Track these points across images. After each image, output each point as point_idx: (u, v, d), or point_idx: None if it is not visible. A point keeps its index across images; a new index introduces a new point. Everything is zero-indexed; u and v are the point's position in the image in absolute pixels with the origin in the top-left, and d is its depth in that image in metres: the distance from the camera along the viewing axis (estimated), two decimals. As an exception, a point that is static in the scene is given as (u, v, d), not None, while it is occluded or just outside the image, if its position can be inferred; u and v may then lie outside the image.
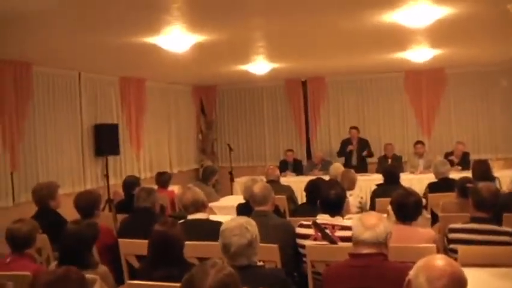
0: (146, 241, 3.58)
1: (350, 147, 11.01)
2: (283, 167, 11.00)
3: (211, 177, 7.85)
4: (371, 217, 3.19)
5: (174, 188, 8.19)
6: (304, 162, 11.66)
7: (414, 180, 9.06)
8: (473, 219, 4.24)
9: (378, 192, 6.44)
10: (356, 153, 11.04)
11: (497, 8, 5.73)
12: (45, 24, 5.49)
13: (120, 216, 5.71)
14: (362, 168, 10.72)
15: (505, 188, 7.22)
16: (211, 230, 3.48)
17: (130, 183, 6.77)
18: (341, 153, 11.27)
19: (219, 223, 3.44)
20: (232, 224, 3.23)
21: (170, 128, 11.68)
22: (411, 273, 2.13)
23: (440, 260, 2.12)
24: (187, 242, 3.63)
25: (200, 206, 4.60)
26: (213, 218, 4.79)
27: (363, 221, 3.16)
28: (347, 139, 11.32)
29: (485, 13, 6.14)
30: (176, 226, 3.57)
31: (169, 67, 9.22)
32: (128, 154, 10.13)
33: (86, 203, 4.93)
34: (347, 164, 10.64)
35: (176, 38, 6.52)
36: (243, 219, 3.31)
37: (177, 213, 5.29)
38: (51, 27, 5.65)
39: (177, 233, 3.50)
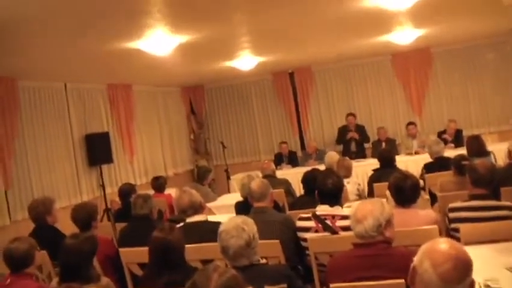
0: (146, 248, 3.55)
1: (351, 134, 11.01)
2: (279, 159, 10.99)
3: (206, 177, 7.82)
4: (363, 208, 3.15)
5: (171, 191, 8.16)
6: (299, 153, 11.65)
7: (410, 162, 9.07)
8: (472, 197, 4.23)
9: (375, 177, 6.43)
10: (354, 140, 11.04)
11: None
12: (27, 34, 5.41)
13: (119, 225, 5.67)
14: (361, 154, 10.74)
15: (500, 162, 7.22)
16: (210, 231, 3.46)
17: (126, 191, 6.73)
18: (339, 140, 11.26)
19: (218, 223, 3.41)
20: (228, 226, 3.20)
21: (161, 131, 11.63)
22: (416, 259, 2.10)
23: (443, 244, 2.09)
24: (188, 246, 3.60)
25: (198, 208, 4.57)
26: (211, 218, 4.76)
27: (355, 213, 3.14)
28: (344, 126, 11.32)
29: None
30: (174, 231, 3.54)
31: (155, 70, 9.16)
32: (122, 161, 10.07)
33: (83, 216, 4.88)
34: (346, 151, 10.65)
35: (159, 41, 6.47)
36: (240, 219, 3.28)
37: (176, 217, 5.25)
38: (33, 37, 5.57)
39: (176, 238, 3.47)
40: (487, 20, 8.77)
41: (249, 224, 3.24)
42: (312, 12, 6.40)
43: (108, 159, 9.34)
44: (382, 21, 7.45)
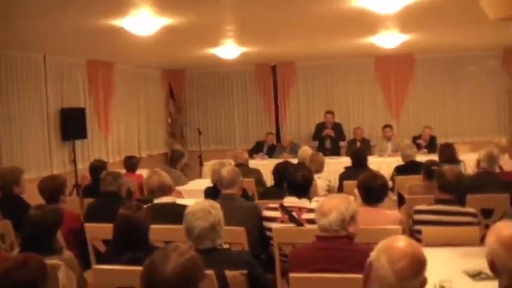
0: (111, 225, 3.55)
1: (327, 131, 11.06)
2: (258, 148, 11.01)
3: (179, 161, 7.81)
4: (330, 202, 3.20)
5: (143, 172, 8.12)
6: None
7: (383, 164, 9.15)
8: (438, 201, 4.32)
9: (346, 174, 6.49)
10: (330, 137, 11.10)
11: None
12: (9, 5, 5.34)
13: (87, 201, 5.64)
14: (335, 151, 10.82)
15: (470, 171, 7.34)
16: (177, 213, 3.46)
17: (97, 168, 6.68)
18: (316, 137, 11.32)
19: (185, 207, 3.42)
20: (195, 208, 3.22)
21: (139, 111, 11.57)
22: (373, 254, 2.14)
23: (401, 242, 2.13)
24: (153, 226, 3.60)
25: (166, 190, 4.57)
26: (180, 201, 4.76)
27: (321, 207, 3.18)
28: (321, 123, 11.37)
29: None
30: (141, 210, 3.54)
31: (137, 50, 9.09)
32: (96, 138, 10.00)
33: (51, 188, 4.84)
34: (320, 148, 10.71)
35: (143, 21, 6.42)
36: (207, 203, 3.30)
37: (145, 197, 5.25)
38: (14, 5, 5.49)
39: (142, 217, 3.47)
40: (472, 32, 8.88)
41: (215, 208, 3.26)
42: (300, 8, 6.41)
43: (82, 134, 9.26)
44: (369, 23, 7.48)
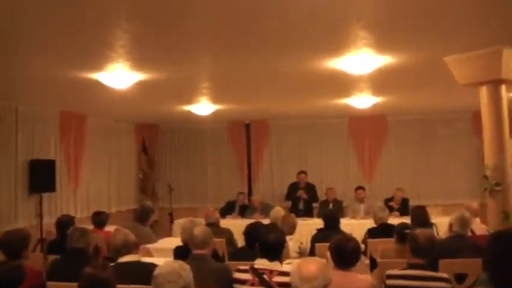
0: (75, 284, 3.41)
1: (300, 193, 11.01)
2: (230, 208, 10.88)
3: (148, 218, 7.62)
4: (310, 267, 3.11)
5: (111, 229, 7.90)
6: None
7: (355, 226, 9.09)
8: (411, 266, 4.26)
9: (318, 237, 6.41)
10: (303, 198, 11.06)
11: (435, 60, 5.93)
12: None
13: (51, 257, 5.44)
14: (308, 212, 10.74)
15: (442, 234, 7.34)
16: (142, 272, 3.34)
17: (64, 222, 6.49)
18: (289, 197, 11.26)
19: (151, 265, 3.31)
20: (165, 270, 3.11)
21: (110, 165, 11.42)
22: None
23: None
24: (119, 286, 3.47)
25: (131, 248, 4.42)
26: (147, 260, 4.61)
27: (301, 272, 3.08)
28: (294, 183, 11.33)
29: (423, 64, 6.34)
30: (107, 269, 3.41)
31: (112, 104, 9.07)
32: (65, 192, 9.80)
33: (13, 243, 4.63)
34: (293, 208, 10.64)
35: (119, 75, 6.42)
36: (177, 264, 3.20)
37: (113, 255, 5.07)
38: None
39: (108, 277, 3.34)
40: (443, 96, 9.09)
41: (186, 270, 3.16)
42: (275, 68, 6.50)
43: (50, 187, 9.07)
44: (343, 84, 7.61)
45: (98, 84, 6.72)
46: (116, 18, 4.39)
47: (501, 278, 3.44)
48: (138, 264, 4.33)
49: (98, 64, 5.93)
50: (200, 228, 4.51)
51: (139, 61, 5.93)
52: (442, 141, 11.72)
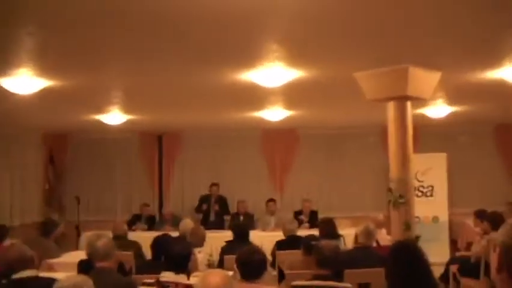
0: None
1: (215, 207, 11.00)
2: (135, 220, 10.69)
3: (52, 231, 7.33)
4: (214, 279, 3.07)
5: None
6: (157, 217, 11.40)
7: (266, 238, 9.12)
8: (316, 277, 4.34)
9: (227, 249, 6.41)
10: (215, 211, 11.02)
11: (345, 75, 6.10)
12: None
13: None
14: (220, 225, 10.71)
15: (349, 246, 7.53)
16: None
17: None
18: (199, 209, 11.18)
19: (50, 280, 3.16)
20: (66, 284, 2.98)
21: (12, 177, 10.86)
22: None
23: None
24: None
25: (28, 262, 4.20)
26: (47, 275, 4.41)
27: (205, 284, 3.04)
28: (206, 195, 11.27)
29: (334, 79, 6.51)
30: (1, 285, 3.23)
31: (14, 110, 8.64)
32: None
33: None
34: (205, 221, 10.59)
35: (22, 81, 6.14)
36: (79, 278, 3.09)
37: (7, 272, 4.81)
38: None
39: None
40: (353, 110, 9.36)
41: (88, 285, 3.04)
42: (187, 80, 6.46)
43: None
44: (255, 97, 7.66)
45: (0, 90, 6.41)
46: (21, 19, 4.20)
47: (397, 283, 3.57)
48: (36, 279, 4.12)
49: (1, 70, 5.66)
50: (103, 241, 4.36)
51: (43, 67, 5.70)
52: (352, 155, 12.02)
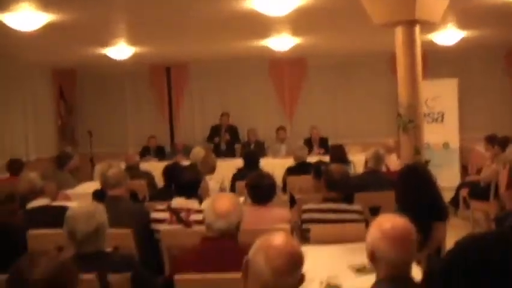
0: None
1: (222, 135, 11.05)
2: (145, 152, 10.82)
3: (66, 163, 7.49)
4: (223, 202, 3.13)
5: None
6: (168, 148, 11.52)
7: (277, 165, 9.17)
8: (325, 200, 4.40)
9: (238, 176, 6.49)
10: (224, 140, 11.10)
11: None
12: None
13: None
14: (231, 154, 10.81)
15: (359, 171, 7.60)
16: (53, 216, 3.27)
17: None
18: (210, 139, 11.28)
19: (63, 208, 3.25)
20: (77, 211, 3.06)
21: (26, 112, 10.96)
22: (250, 252, 2.11)
23: (277, 239, 2.11)
24: (29, 232, 3.39)
25: (38, 193, 4.30)
26: (58, 204, 4.52)
27: (215, 207, 3.10)
28: (217, 125, 11.33)
29: (340, 3, 6.36)
30: (16, 215, 3.32)
31: (22, 47, 8.63)
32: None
33: None
34: (216, 150, 10.67)
35: (25, 16, 6.08)
36: (90, 205, 3.16)
37: (21, 202, 4.93)
38: None
39: (16, 222, 3.26)
40: (361, 37, 9.21)
41: (99, 211, 3.12)
42: (190, 7, 6.35)
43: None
44: (261, 25, 7.55)
45: (4, 27, 6.35)
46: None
47: (406, 207, 3.63)
48: (48, 208, 4.23)
49: (3, 5, 5.59)
50: (113, 170, 4.44)
51: (46, 1, 5.62)
52: (361, 82, 11.93)
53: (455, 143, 11.23)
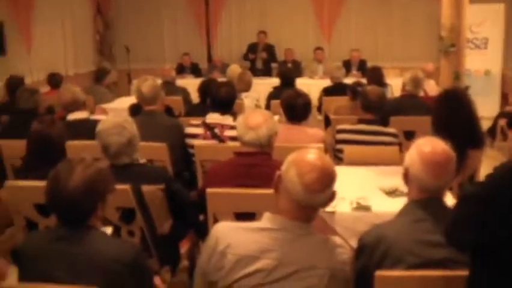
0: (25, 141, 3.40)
1: (262, 55, 10.97)
2: (180, 70, 10.83)
3: (104, 78, 7.56)
4: (256, 117, 3.12)
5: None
6: (204, 65, 11.50)
7: (313, 86, 9.11)
8: (360, 121, 4.36)
9: (274, 94, 6.44)
10: (262, 58, 11.01)
11: None
12: None
13: (2, 118, 5.37)
14: (267, 72, 10.75)
15: (397, 95, 7.48)
16: (91, 129, 3.32)
17: (14, 84, 6.32)
18: (247, 57, 11.21)
19: (99, 122, 3.29)
20: (108, 124, 3.10)
21: (64, 28, 10.96)
22: (283, 167, 2.10)
23: (310, 154, 2.09)
24: (68, 142, 3.47)
25: (79, 105, 4.39)
26: (97, 117, 4.60)
27: (247, 121, 3.10)
28: (254, 43, 11.23)
29: None
30: (55, 124, 3.39)
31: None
32: (17, 54, 9.42)
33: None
34: (252, 69, 10.60)
35: None
36: (120, 118, 3.20)
37: (62, 113, 5.03)
38: None
39: (56, 132, 3.33)
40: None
41: (129, 123, 3.16)
42: None
43: (1, 50, 8.72)
44: None
45: None
46: None
47: (442, 131, 3.54)
48: (87, 121, 4.32)
49: None
50: (147, 84, 4.44)
51: None
52: (402, 3, 11.55)
53: (497, 70, 10.85)
